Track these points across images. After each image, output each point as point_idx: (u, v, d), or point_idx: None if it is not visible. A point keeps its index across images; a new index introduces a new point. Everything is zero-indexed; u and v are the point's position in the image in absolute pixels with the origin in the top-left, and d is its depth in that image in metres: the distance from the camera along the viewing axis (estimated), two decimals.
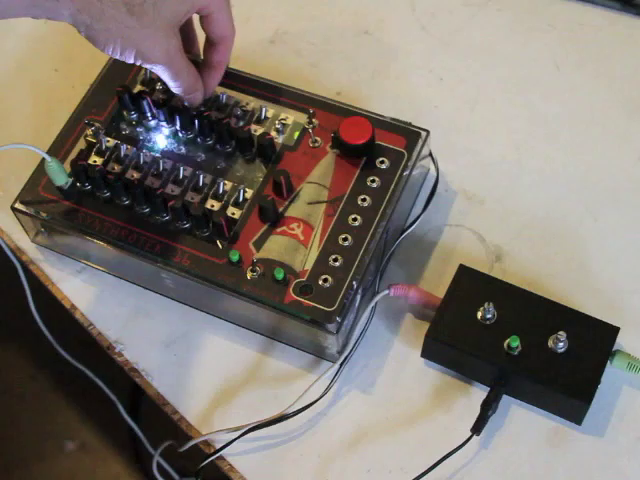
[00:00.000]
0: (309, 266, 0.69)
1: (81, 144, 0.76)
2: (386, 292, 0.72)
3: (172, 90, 0.73)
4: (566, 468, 0.67)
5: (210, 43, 0.74)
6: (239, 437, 0.69)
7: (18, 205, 0.74)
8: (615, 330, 0.68)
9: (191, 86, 0.72)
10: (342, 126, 0.72)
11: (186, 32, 0.75)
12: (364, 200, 0.71)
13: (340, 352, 0.71)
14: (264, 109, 0.76)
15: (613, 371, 0.69)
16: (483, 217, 0.77)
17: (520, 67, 0.85)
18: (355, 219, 0.71)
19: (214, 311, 0.74)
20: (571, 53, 0.85)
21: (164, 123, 0.76)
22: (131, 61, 0.68)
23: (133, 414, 1.14)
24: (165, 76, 0.70)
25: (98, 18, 0.64)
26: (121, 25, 0.65)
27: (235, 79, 0.78)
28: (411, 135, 0.74)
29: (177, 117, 0.75)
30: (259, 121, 0.76)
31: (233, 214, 0.72)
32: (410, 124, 0.75)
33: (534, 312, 0.69)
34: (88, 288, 0.77)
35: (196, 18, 0.73)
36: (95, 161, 0.75)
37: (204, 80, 0.74)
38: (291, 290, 0.68)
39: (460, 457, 0.67)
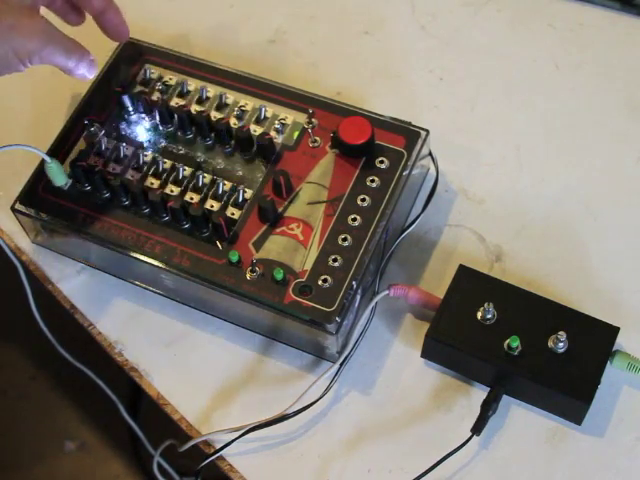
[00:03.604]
0: (308, 266, 0.69)
1: (81, 145, 0.76)
2: (386, 292, 0.72)
3: (72, 73, 0.71)
4: (566, 468, 0.67)
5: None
6: (239, 437, 0.69)
7: (18, 206, 0.74)
8: (615, 330, 0.68)
9: (84, 55, 0.70)
10: (341, 126, 0.72)
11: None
12: (364, 200, 0.71)
13: (340, 352, 0.71)
14: (263, 109, 0.75)
15: (613, 371, 0.69)
16: (483, 217, 0.77)
17: (520, 67, 0.85)
18: (355, 219, 0.70)
19: (214, 311, 0.74)
20: (571, 53, 0.85)
21: (163, 123, 0.76)
22: (21, 67, 0.66)
23: (133, 414, 1.14)
24: (56, 59, 0.68)
25: None
26: None
27: (235, 79, 0.78)
28: (411, 135, 0.74)
29: (176, 117, 0.75)
30: (258, 121, 0.76)
31: (232, 214, 0.72)
32: (410, 124, 0.75)
33: (534, 312, 0.69)
34: (88, 288, 0.77)
35: None
36: (95, 162, 0.75)
37: (110, 26, 0.73)
38: (290, 290, 0.68)
39: (460, 457, 0.67)
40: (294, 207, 0.72)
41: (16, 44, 0.65)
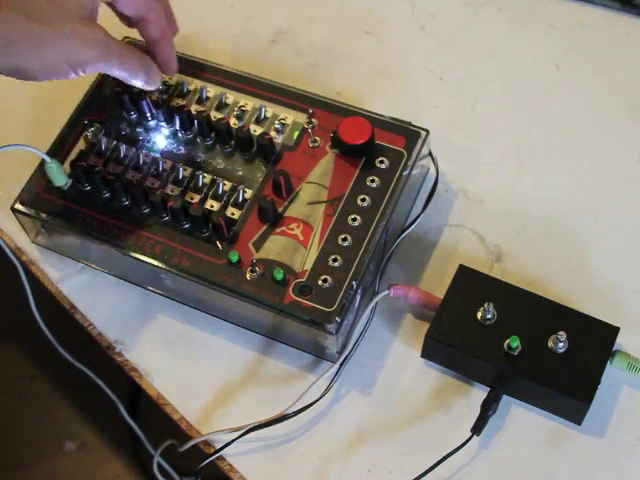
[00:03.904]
0: (308, 266, 0.69)
1: (81, 145, 0.76)
2: (386, 292, 0.72)
3: (128, 82, 0.69)
4: (566, 468, 0.67)
5: (137, 20, 0.70)
6: (239, 437, 0.69)
7: (18, 206, 0.74)
8: (615, 330, 0.68)
9: (145, 67, 0.68)
10: (341, 126, 0.72)
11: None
12: (364, 200, 0.71)
13: (340, 352, 0.71)
14: (263, 109, 0.75)
15: (613, 371, 0.69)
16: (483, 217, 0.77)
17: (520, 67, 0.85)
18: (355, 219, 0.70)
19: (214, 311, 0.74)
20: (571, 53, 0.85)
21: (163, 123, 0.76)
22: (72, 75, 0.63)
23: (133, 414, 1.14)
24: (111, 70, 0.66)
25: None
26: (31, 38, 0.60)
27: (235, 79, 0.78)
28: (411, 135, 0.74)
29: (177, 117, 0.75)
30: (258, 121, 0.76)
31: (232, 214, 0.72)
32: (410, 124, 0.75)
33: (534, 312, 0.69)
34: (88, 288, 0.77)
35: None
36: (95, 162, 0.75)
37: (159, 58, 0.72)
38: (290, 290, 0.68)
39: (460, 457, 0.67)
40: (294, 207, 0.72)
41: (71, 54, 0.62)
